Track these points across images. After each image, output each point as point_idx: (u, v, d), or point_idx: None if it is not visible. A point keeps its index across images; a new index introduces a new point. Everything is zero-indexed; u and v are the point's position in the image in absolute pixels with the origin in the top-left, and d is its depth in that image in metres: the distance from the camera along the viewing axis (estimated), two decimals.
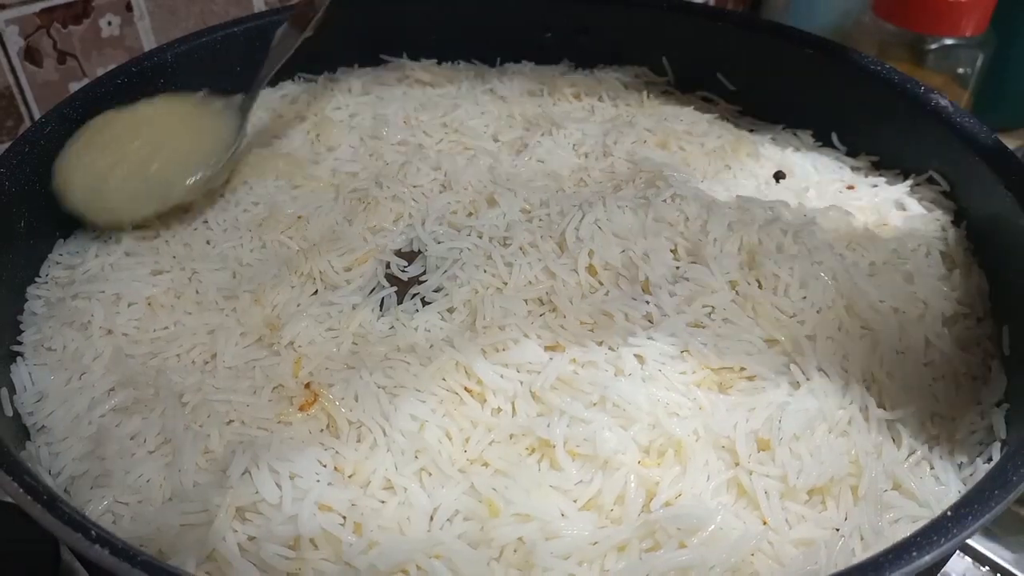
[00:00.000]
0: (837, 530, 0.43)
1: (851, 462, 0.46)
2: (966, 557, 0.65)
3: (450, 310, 0.55)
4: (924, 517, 0.44)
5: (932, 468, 0.47)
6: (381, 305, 0.56)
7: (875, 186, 0.67)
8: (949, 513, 0.36)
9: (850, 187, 0.66)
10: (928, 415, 0.50)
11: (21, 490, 0.37)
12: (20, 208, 0.57)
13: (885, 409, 0.49)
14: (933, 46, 1.00)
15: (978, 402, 0.51)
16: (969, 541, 0.64)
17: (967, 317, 0.56)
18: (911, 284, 0.56)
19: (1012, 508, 0.41)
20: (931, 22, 0.99)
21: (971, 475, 0.47)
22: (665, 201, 0.60)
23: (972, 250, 0.60)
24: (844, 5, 1.20)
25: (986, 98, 1.05)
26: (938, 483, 0.47)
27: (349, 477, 0.45)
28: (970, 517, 0.36)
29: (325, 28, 0.76)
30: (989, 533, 0.66)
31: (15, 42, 0.76)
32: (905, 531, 0.41)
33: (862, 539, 0.43)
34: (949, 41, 0.99)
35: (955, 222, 0.62)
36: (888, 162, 0.69)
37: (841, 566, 0.38)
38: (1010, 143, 0.99)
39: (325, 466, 0.44)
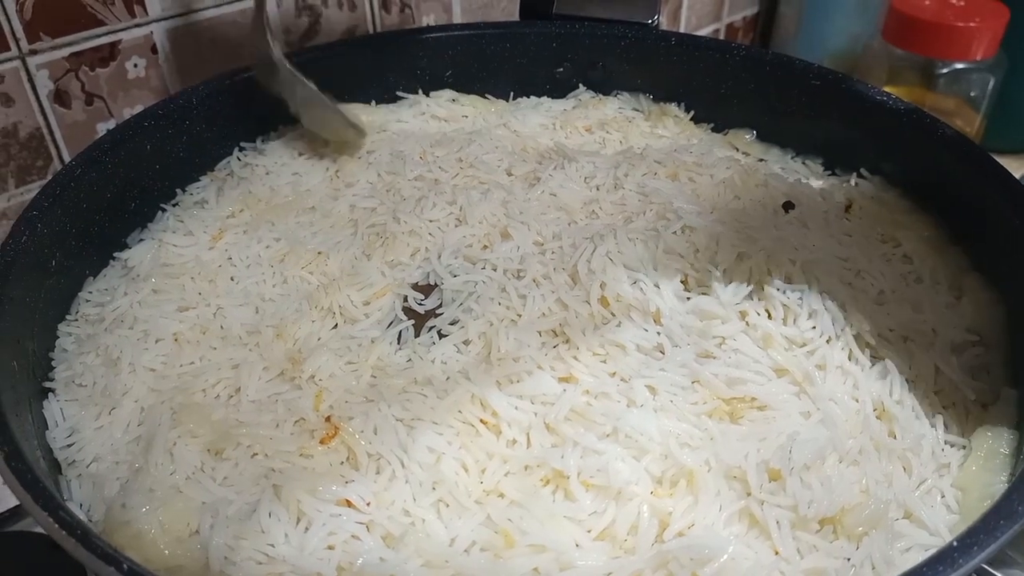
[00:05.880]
0: (848, 559, 0.44)
1: (862, 491, 0.47)
2: None
3: (466, 342, 0.56)
4: (935, 546, 0.44)
5: (943, 496, 0.48)
6: (399, 338, 0.58)
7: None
8: (955, 543, 0.37)
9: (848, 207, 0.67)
10: (939, 443, 0.50)
11: (56, 524, 0.38)
12: (52, 248, 0.59)
13: (895, 437, 0.50)
14: (944, 70, 1.00)
15: (988, 430, 0.51)
16: (987, 567, 0.64)
17: (976, 345, 0.56)
18: (920, 312, 0.57)
19: None
20: (941, 46, 0.99)
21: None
22: (675, 233, 0.62)
23: (981, 278, 0.60)
24: (854, 31, 1.21)
25: (999, 120, 1.05)
26: (949, 512, 0.47)
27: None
28: (976, 547, 0.36)
29: (344, 68, 0.79)
30: (1007, 560, 0.66)
31: (45, 85, 0.79)
32: (916, 560, 0.42)
33: (873, 568, 0.44)
34: (960, 65, 1.00)
35: (965, 250, 0.62)
36: None
37: None
38: (1022, 166, 0.99)
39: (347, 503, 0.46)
